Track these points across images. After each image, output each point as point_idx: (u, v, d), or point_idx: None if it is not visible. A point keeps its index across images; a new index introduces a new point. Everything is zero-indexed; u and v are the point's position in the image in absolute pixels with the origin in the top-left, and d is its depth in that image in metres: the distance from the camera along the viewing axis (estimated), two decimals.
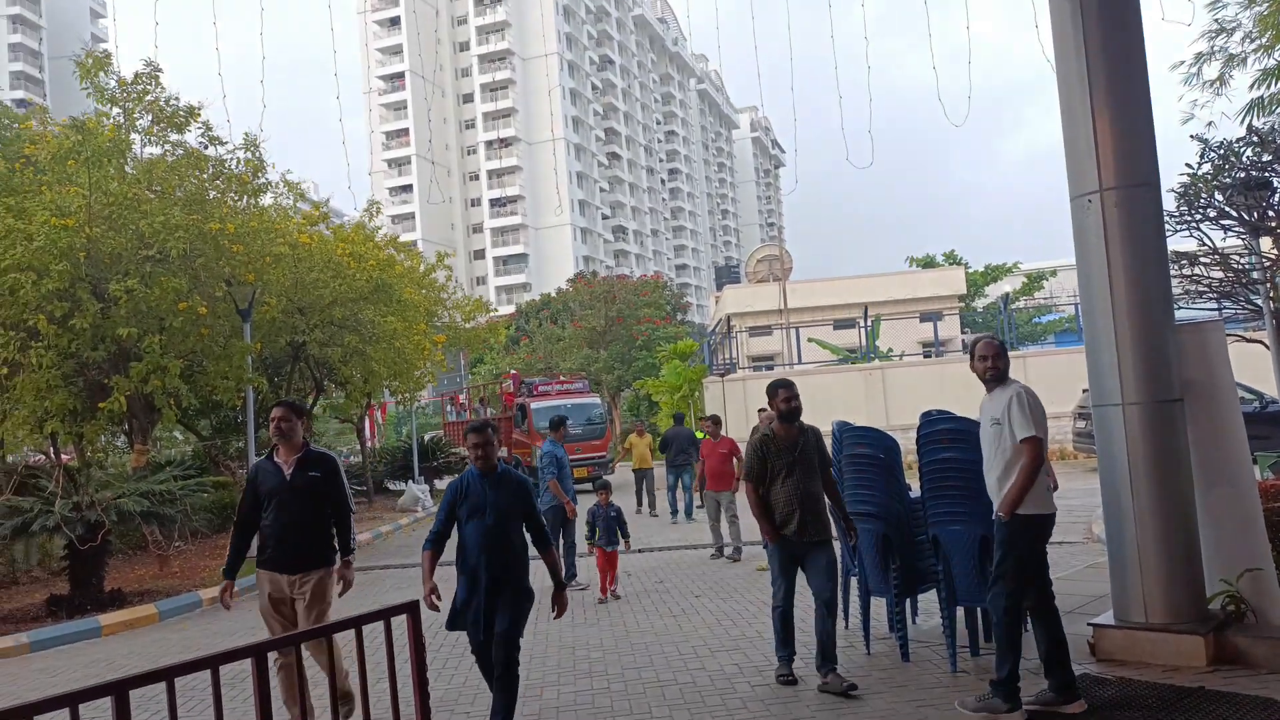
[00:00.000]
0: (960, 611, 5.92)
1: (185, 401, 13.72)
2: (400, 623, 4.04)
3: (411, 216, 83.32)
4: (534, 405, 23.15)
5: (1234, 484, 5.50)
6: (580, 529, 9.84)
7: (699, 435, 16.90)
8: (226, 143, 14.44)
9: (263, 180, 15.38)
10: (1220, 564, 5.47)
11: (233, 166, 14.65)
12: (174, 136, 14.12)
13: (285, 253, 14.90)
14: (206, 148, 14.31)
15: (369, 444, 24.95)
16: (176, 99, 13.91)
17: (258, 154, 14.80)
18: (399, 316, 17.91)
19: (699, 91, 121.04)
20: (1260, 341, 9.92)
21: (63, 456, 14.55)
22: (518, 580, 4.89)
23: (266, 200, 16.35)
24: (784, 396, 5.59)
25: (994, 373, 4.94)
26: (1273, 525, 5.61)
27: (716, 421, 12.17)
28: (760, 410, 11.58)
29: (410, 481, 22.63)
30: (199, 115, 14.04)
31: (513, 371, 32.78)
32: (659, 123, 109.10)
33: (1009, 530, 4.76)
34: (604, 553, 9.09)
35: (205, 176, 14.33)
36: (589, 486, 12.35)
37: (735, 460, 11.35)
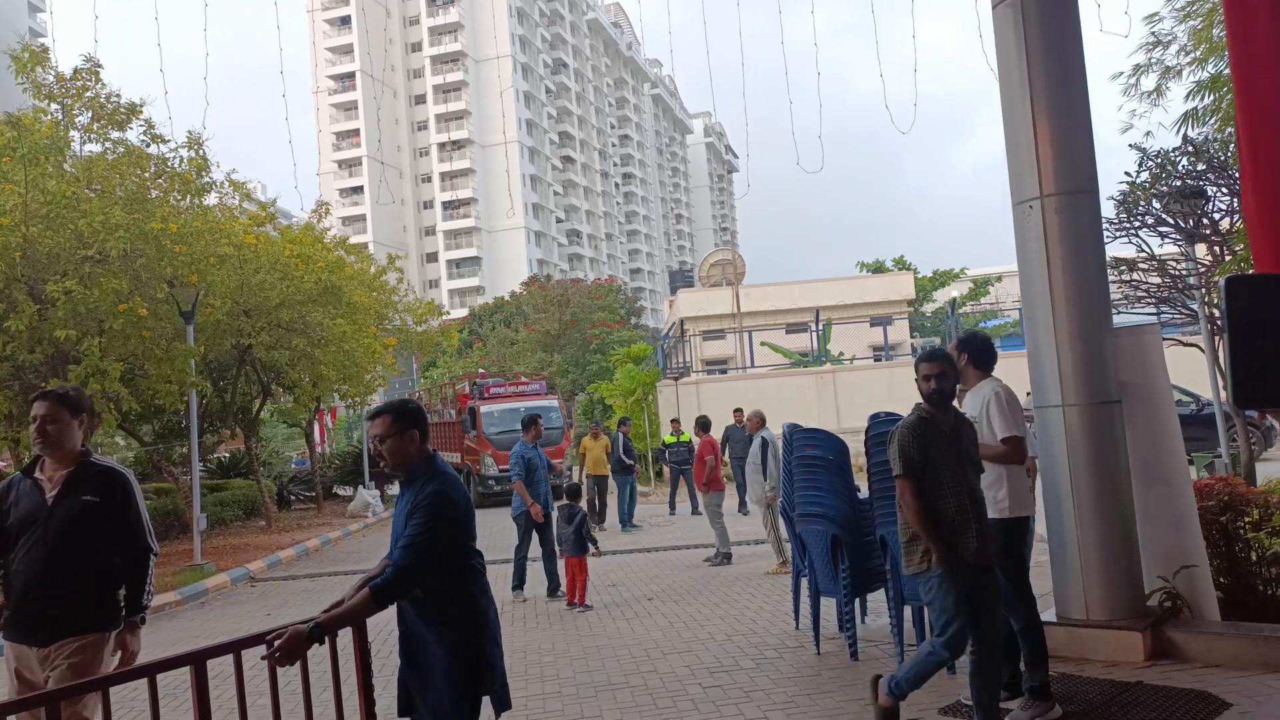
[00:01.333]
0: (908, 610, 6.00)
1: (126, 406, 13.37)
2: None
3: (363, 218, 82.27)
4: (484, 409, 21.38)
5: (1170, 483, 5.65)
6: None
7: (669, 440, 16.94)
8: (169, 141, 14.12)
9: (207, 180, 15.04)
10: (1157, 561, 5.61)
11: (176, 165, 14.32)
12: (115, 134, 13.75)
13: (230, 253, 14.60)
14: (149, 146, 13.96)
15: (319, 449, 24.55)
16: (118, 96, 13.56)
17: (201, 152, 14.49)
18: (349, 319, 17.65)
19: (653, 96, 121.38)
20: (1195, 345, 10.23)
21: None
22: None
23: (211, 200, 16.01)
24: (924, 373, 4.33)
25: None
26: (1207, 523, 5.77)
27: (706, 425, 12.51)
28: (736, 411, 11.68)
29: (360, 487, 22.32)
30: (141, 113, 13.70)
31: (483, 372, 31.29)
32: (613, 127, 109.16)
33: (1000, 535, 4.66)
34: (571, 560, 8.71)
35: (147, 175, 13.97)
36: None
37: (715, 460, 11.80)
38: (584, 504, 9.81)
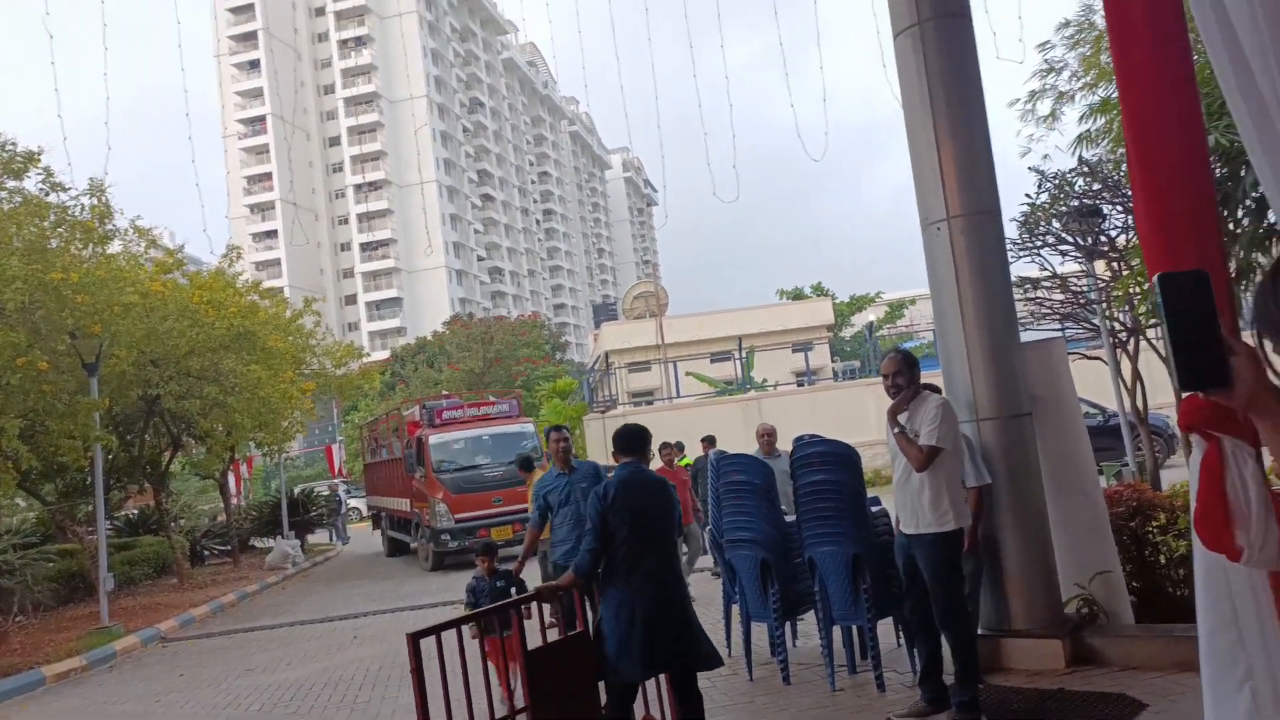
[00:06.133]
0: (837, 631, 6.02)
1: (26, 464, 12.72)
2: None
3: (278, 262, 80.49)
4: (434, 439, 16.29)
5: (1082, 492, 5.81)
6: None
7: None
8: (70, 188, 13.63)
9: (110, 227, 14.54)
10: (1073, 569, 5.75)
11: (77, 213, 13.82)
12: (11, 183, 13.23)
13: (136, 302, 14.07)
14: (47, 194, 13.46)
15: (234, 500, 23.67)
16: (13, 144, 13.08)
17: (104, 199, 14.02)
18: (264, 365, 17.13)
19: (571, 133, 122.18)
20: (1099, 358, 10.62)
21: None
22: None
23: (115, 248, 15.46)
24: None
25: (894, 390, 4.92)
26: (1118, 529, 5.94)
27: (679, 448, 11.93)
28: (662, 446, 11.47)
29: (279, 537, 21.56)
30: (39, 160, 13.21)
31: (446, 393, 26.26)
32: (532, 164, 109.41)
33: (930, 548, 4.74)
34: (495, 642, 6.16)
35: (46, 224, 13.45)
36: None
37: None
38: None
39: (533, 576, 7.34)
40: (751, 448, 8.81)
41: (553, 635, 5.02)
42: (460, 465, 16.09)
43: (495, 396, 19.72)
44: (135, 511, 22.65)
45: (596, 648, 4.28)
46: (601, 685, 4.29)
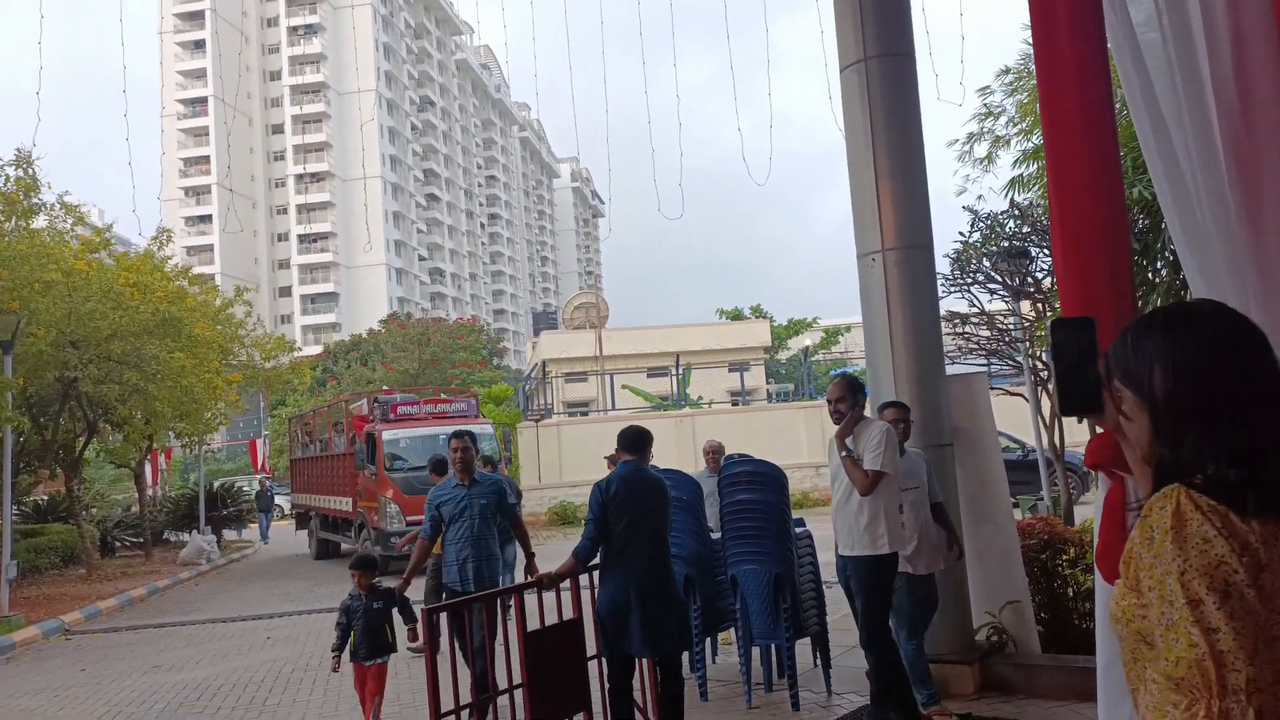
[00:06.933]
0: (755, 649, 6.09)
1: None
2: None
3: (210, 248, 78.41)
4: (388, 434, 15.64)
5: (995, 522, 6.00)
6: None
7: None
8: None
9: (35, 201, 14.07)
10: (985, 597, 5.92)
11: (1, 184, 13.34)
12: None
13: (58, 280, 13.62)
14: None
15: (150, 491, 22.95)
16: None
17: (30, 171, 13.56)
18: (189, 353, 16.67)
19: (521, 139, 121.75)
20: (1020, 395, 10.96)
21: None
22: None
23: (40, 223, 14.96)
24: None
25: (836, 415, 4.98)
26: (1029, 561, 6.14)
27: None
28: (607, 457, 11.30)
29: (195, 532, 20.93)
30: None
31: (387, 388, 25.50)
32: (480, 167, 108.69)
33: (862, 570, 4.84)
34: (362, 669, 5.81)
35: None
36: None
37: None
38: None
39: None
40: (685, 464, 8.88)
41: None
42: (415, 464, 14.99)
43: (449, 394, 18.96)
44: (45, 497, 21.84)
45: (598, 628, 4.75)
46: (599, 666, 4.81)
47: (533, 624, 4.89)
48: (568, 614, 5.01)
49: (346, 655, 5.80)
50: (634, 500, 4.68)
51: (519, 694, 4.60)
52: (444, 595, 6.14)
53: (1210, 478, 1.20)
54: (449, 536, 6.00)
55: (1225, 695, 1.10)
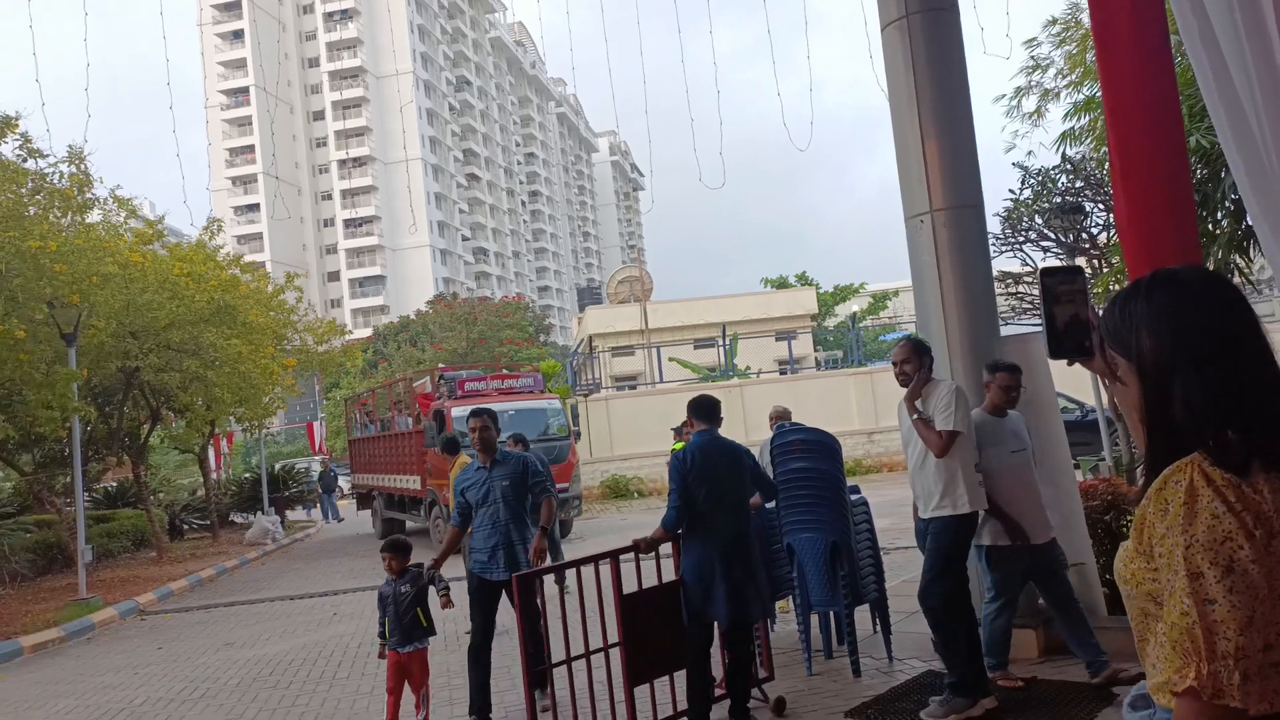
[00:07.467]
0: (815, 616, 6.09)
1: (2, 434, 12.64)
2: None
3: (259, 236, 79.76)
4: (457, 411, 15.05)
5: (1057, 485, 5.90)
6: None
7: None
8: (48, 155, 13.47)
9: (89, 196, 14.40)
10: None
11: (55, 181, 13.67)
12: None
13: (115, 272, 13.97)
14: (25, 160, 13.30)
15: (214, 475, 23.59)
16: None
17: (83, 168, 13.87)
18: (244, 339, 17.03)
19: (558, 115, 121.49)
20: None
21: None
22: None
23: (94, 217, 15.32)
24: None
25: (903, 377, 4.92)
26: (1092, 522, 6.05)
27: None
28: (674, 429, 11.27)
29: (259, 513, 21.52)
30: (16, 126, 13.06)
31: (443, 365, 25.15)
32: (518, 145, 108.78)
33: (940, 526, 4.80)
34: (398, 655, 5.48)
35: (24, 191, 13.30)
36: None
37: None
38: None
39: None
40: (735, 435, 8.83)
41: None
42: None
43: (509, 369, 19.24)
44: (114, 484, 22.54)
45: (683, 596, 4.87)
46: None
47: (628, 587, 4.96)
48: (648, 581, 5.17)
49: None
50: (713, 469, 4.80)
51: (614, 653, 4.83)
52: (470, 583, 5.81)
53: (1217, 444, 1.24)
54: (475, 523, 5.70)
55: (1214, 659, 1.16)
